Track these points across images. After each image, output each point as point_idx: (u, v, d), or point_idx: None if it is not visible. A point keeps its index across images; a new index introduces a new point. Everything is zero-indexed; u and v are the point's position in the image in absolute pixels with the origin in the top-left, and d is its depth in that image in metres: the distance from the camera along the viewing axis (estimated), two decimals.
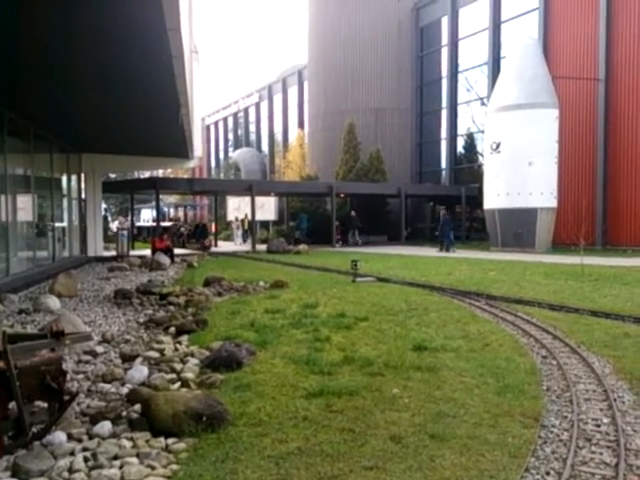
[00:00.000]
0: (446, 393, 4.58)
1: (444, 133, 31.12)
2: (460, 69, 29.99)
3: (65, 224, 17.74)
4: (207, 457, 3.42)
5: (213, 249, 25.63)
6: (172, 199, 48.38)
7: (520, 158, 20.51)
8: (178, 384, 4.84)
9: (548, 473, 3.25)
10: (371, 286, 11.38)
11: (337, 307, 8.60)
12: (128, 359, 5.71)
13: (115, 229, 29.55)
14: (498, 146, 21.32)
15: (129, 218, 33.50)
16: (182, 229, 31.38)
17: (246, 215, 29.22)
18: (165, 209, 46.20)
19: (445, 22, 30.22)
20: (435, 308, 8.57)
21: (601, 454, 3.51)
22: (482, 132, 26.10)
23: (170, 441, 3.65)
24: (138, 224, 38.34)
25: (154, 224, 26.66)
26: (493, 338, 6.53)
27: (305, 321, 7.46)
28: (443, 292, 10.53)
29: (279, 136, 44.84)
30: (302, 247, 22.17)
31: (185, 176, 42.65)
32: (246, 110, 50.00)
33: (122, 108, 12.08)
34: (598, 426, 3.95)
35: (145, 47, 7.81)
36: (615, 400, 4.43)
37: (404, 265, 15.61)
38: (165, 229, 25.46)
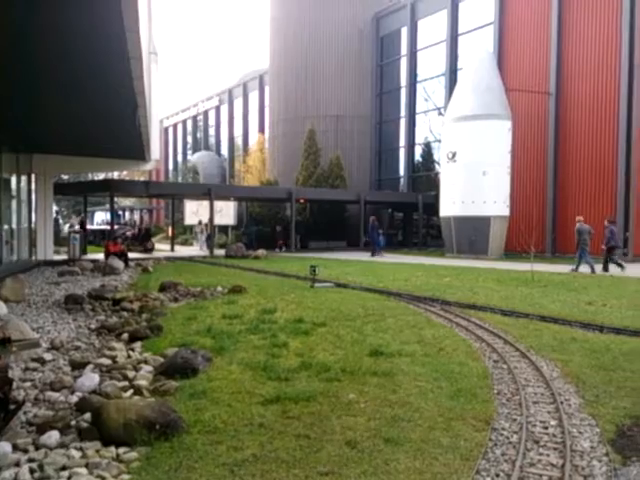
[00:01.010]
0: (401, 397, 4.64)
1: (402, 141, 31.68)
2: (419, 79, 30.62)
3: (13, 226, 17.07)
4: (160, 466, 3.36)
5: (170, 254, 25.42)
6: (128, 202, 47.27)
7: (475, 167, 21.07)
8: (131, 392, 4.74)
9: (498, 475, 3.35)
10: (329, 291, 11.43)
11: (295, 312, 8.60)
12: (78, 366, 5.54)
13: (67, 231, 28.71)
14: (454, 155, 21.84)
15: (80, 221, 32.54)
16: (127, 233, 31.26)
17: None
18: (120, 212, 45.12)
19: (405, 33, 30.81)
20: (392, 314, 8.69)
21: (548, 456, 3.64)
22: (439, 141, 26.70)
23: (121, 450, 3.56)
24: (89, 227, 37.24)
25: (105, 227, 26.07)
26: (447, 343, 6.67)
27: (263, 327, 7.44)
28: (400, 298, 10.69)
29: (239, 140, 44.53)
30: (260, 252, 22.06)
31: (142, 179, 41.77)
32: (206, 113, 49.46)
33: (77, 107, 11.75)
34: (546, 428, 4.08)
35: (102, 47, 7.66)
36: (562, 403, 4.59)
37: (362, 271, 15.76)
38: (111, 232, 25.13)
